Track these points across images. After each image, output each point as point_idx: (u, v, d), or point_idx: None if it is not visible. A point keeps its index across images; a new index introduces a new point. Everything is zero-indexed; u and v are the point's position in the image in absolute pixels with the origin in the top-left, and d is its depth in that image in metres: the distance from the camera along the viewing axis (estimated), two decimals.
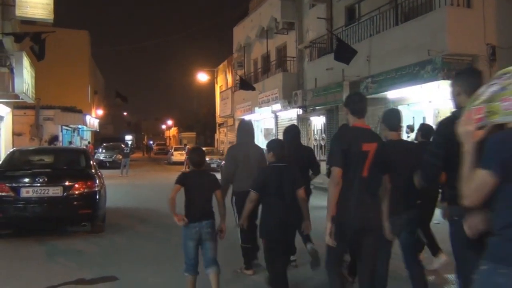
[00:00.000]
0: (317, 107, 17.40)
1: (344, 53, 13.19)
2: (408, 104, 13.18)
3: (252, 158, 5.40)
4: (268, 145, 4.49)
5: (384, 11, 13.43)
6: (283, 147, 4.44)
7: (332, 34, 15.69)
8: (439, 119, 11.45)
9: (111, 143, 34.42)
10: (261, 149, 5.62)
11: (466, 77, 2.98)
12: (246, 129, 5.71)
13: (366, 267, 3.71)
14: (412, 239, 4.19)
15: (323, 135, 18.02)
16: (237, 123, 27.64)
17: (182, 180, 4.33)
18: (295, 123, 18.58)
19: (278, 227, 4.22)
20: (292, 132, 5.89)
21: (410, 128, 12.01)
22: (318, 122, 18.82)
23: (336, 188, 3.52)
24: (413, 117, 13.29)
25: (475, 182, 2.14)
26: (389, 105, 13.55)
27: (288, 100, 19.69)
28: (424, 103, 12.37)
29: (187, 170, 4.75)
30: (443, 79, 10.47)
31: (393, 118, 4.28)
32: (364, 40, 14.12)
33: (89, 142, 34.16)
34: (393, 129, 4.22)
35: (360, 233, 3.61)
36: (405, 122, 12.88)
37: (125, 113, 79.73)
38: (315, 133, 18.87)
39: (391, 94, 12.74)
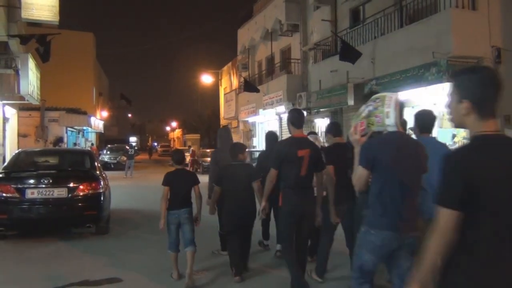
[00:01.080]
0: (321, 109, 17.38)
1: (349, 55, 13.18)
2: (412, 107, 13.12)
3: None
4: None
5: (389, 13, 13.40)
6: (235, 150, 5.67)
7: (336, 36, 15.68)
8: (444, 121, 11.44)
9: (115, 145, 34.54)
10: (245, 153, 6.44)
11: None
12: (225, 136, 6.78)
13: (303, 243, 4.95)
14: (351, 224, 5.00)
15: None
16: (241, 125, 27.64)
17: (167, 180, 5.46)
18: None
19: (235, 214, 5.45)
20: (270, 138, 6.88)
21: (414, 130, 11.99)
22: (322, 124, 18.79)
23: (271, 184, 4.79)
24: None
25: (357, 174, 3.24)
26: None
27: (293, 102, 19.67)
28: (429, 105, 12.33)
29: (173, 169, 5.74)
30: (448, 81, 10.43)
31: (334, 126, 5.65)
32: (368, 42, 14.10)
33: (92, 144, 34.25)
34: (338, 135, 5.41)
35: (300, 217, 4.75)
36: (410, 125, 12.88)
37: (129, 115, 79.93)
38: (320, 135, 18.85)
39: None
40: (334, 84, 15.62)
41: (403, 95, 12.32)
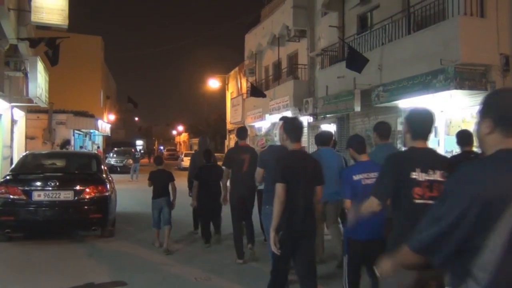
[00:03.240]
0: (328, 115, 17.36)
1: (356, 61, 13.17)
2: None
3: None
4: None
5: (397, 19, 13.39)
6: (207, 155, 7.83)
7: (343, 42, 15.69)
8: (451, 128, 11.38)
9: (122, 148, 34.62)
10: (214, 157, 8.34)
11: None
12: (202, 142, 8.87)
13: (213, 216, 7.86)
14: None
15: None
16: (248, 130, 27.64)
17: (151, 177, 7.64)
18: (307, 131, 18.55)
19: (206, 204, 7.63)
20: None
21: None
22: (328, 130, 18.78)
23: (226, 179, 6.86)
24: None
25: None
26: (400, 113, 13.49)
27: (299, 107, 19.68)
28: (436, 112, 12.28)
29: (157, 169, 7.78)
30: (456, 88, 10.40)
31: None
32: (376, 48, 14.09)
33: (98, 147, 34.38)
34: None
35: (244, 199, 6.58)
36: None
37: (136, 118, 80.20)
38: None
39: (403, 103, 12.67)
40: (341, 90, 15.61)
41: (410, 102, 12.30)
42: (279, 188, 3.93)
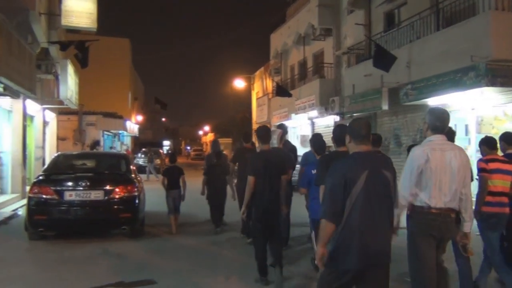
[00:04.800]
0: (354, 114, 17.19)
1: (383, 59, 12.98)
2: (449, 112, 12.79)
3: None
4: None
5: (425, 16, 13.15)
6: (219, 156, 9.16)
7: (370, 40, 15.50)
8: (482, 127, 11.10)
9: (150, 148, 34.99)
10: (224, 157, 9.49)
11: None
12: (214, 145, 9.60)
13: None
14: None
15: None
16: (273, 130, 27.58)
17: (165, 172, 9.23)
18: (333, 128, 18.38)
19: (213, 196, 8.96)
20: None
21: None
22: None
23: (231, 172, 8.65)
24: (455, 125, 12.90)
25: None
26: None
27: (325, 106, 19.54)
28: (467, 110, 12.00)
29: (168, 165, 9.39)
30: (487, 86, 10.13)
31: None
32: (404, 46, 13.87)
33: (127, 148, 34.91)
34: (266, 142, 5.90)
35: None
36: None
37: (163, 119, 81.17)
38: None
39: (432, 101, 12.43)
40: (368, 89, 15.43)
41: (439, 100, 12.06)
42: (250, 179, 5.41)
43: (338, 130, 4.64)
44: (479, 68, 10.13)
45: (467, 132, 12.44)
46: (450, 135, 4.48)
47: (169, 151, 44.12)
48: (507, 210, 4.86)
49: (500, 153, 5.24)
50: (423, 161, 3.55)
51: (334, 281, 3.17)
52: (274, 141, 6.80)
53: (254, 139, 7.38)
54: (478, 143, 5.46)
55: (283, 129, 7.76)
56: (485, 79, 10.01)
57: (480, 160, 5.08)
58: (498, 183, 4.85)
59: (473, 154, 11.61)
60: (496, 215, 4.82)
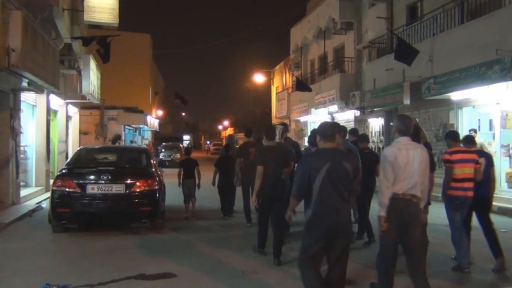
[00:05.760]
0: (375, 109, 17.00)
1: (406, 53, 12.79)
2: (473, 106, 12.57)
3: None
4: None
5: (449, 9, 12.88)
6: (226, 148, 10.38)
7: (392, 33, 15.27)
8: (507, 121, 10.85)
9: (170, 143, 35.34)
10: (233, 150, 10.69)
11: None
12: (229, 140, 10.57)
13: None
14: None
15: (381, 137, 17.54)
16: (293, 125, 27.50)
17: (181, 164, 10.26)
18: (353, 125, 18.26)
19: (223, 186, 9.81)
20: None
21: (474, 131, 11.45)
22: (376, 124, 18.37)
23: (238, 166, 9.14)
24: (479, 120, 12.65)
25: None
26: (452, 106, 12.99)
27: (345, 101, 19.37)
28: (491, 105, 11.74)
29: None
30: None
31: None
32: (426, 39, 13.63)
33: (149, 142, 35.26)
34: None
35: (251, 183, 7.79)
36: (470, 125, 12.31)
37: (183, 114, 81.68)
38: (373, 135, 18.42)
39: (455, 95, 12.20)
40: (389, 83, 15.23)
41: (463, 94, 11.83)
42: (259, 168, 6.35)
43: (312, 133, 6.02)
44: (505, 62, 9.88)
45: (491, 127, 12.17)
46: (417, 135, 5.37)
47: (190, 145, 44.48)
48: (469, 193, 5.81)
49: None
50: (393, 158, 4.40)
51: (311, 248, 4.13)
52: (277, 137, 7.42)
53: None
54: (501, 137, 5.77)
55: (284, 126, 8.89)
56: (510, 72, 9.76)
57: (445, 153, 6.13)
58: (460, 171, 5.80)
59: (498, 150, 11.37)
60: (459, 198, 5.83)
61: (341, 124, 6.92)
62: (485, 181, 5.96)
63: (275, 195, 6.31)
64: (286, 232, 7.14)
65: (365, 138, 8.01)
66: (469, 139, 6.52)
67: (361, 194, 5.89)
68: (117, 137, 26.01)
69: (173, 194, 10.66)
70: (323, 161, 4.10)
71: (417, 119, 12.50)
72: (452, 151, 5.97)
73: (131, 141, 29.59)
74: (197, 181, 9.85)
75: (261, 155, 6.60)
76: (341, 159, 4.15)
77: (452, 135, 6.23)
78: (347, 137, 7.64)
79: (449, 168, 5.85)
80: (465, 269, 5.78)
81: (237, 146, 10.84)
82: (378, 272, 4.71)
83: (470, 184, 5.81)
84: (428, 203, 4.98)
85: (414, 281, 4.45)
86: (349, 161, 4.19)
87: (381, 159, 4.58)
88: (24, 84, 10.65)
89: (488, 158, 6.20)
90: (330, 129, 4.33)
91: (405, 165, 4.38)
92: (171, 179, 10.75)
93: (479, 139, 10.92)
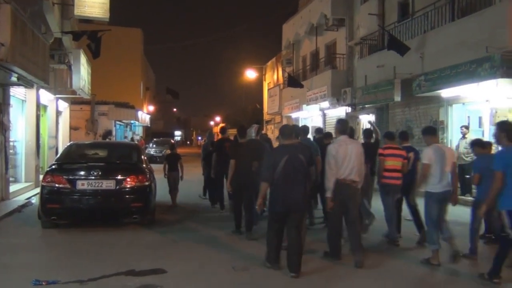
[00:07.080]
0: (366, 105, 17.07)
1: (397, 49, 12.85)
2: (463, 103, 12.67)
3: None
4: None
5: (440, 6, 12.95)
6: (211, 144, 10.82)
7: (384, 30, 15.33)
8: (497, 119, 10.97)
9: (161, 139, 35.20)
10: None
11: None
12: (208, 136, 12.23)
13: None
14: None
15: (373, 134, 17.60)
16: (284, 121, 27.53)
17: (166, 158, 11.42)
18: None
19: (210, 180, 10.64)
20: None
21: (466, 127, 11.54)
22: (367, 120, 18.43)
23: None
24: (468, 117, 12.76)
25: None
26: (442, 103, 13.08)
27: (337, 97, 19.43)
28: (481, 102, 11.84)
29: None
30: (502, 77, 9.97)
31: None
32: (417, 36, 13.70)
33: (140, 138, 35.11)
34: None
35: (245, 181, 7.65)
36: (460, 122, 12.41)
37: (174, 109, 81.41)
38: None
39: (445, 92, 12.29)
40: (380, 80, 15.30)
41: (453, 91, 11.91)
42: (232, 161, 7.47)
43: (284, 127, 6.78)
44: (495, 59, 9.97)
45: (480, 124, 12.28)
46: (352, 134, 7.37)
47: (173, 142, 44.38)
48: (398, 182, 7.10)
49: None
50: (335, 152, 5.84)
51: (273, 220, 5.68)
52: (253, 134, 8.37)
53: (270, 128, 7.99)
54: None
55: (258, 125, 9.36)
56: (500, 70, 9.85)
57: (380, 148, 7.54)
58: (391, 163, 7.10)
59: None
60: (389, 185, 7.12)
61: (332, 120, 7.65)
62: (411, 172, 7.20)
63: (246, 184, 7.34)
64: (256, 218, 7.79)
65: (329, 135, 8.88)
66: (403, 136, 7.93)
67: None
68: (108, 133, 25.89)
69: (159, 188, 10.67)
70: (283, 153, 5.56)
71: (373, 120, 12.97)
72: (385, 147, 7.30)
73: (125, 137, 29.38)
74: (180, 173, 10.91)
75: (234, 150, 7.80)
76: (297, 152, 5.56)
77: (388, 135, 7.67)
78: (309, 135, 8.96)
79: (381, 160, 7.15)
80: (396, 241, 7.02)
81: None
82: (329, 241, 6.15)
83: (398, 174, 7.08)
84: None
85: (352, 243, 5.98)
86: (304, 153, 5.60)
87: (326, 153, 5.93)
88: (14, 78, 10.54)
89: (416, 152, 7.50)
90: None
91: (344, 157, 5.81)
92: (160, 174, 10.70)
93: (470, 135, 11.02)
